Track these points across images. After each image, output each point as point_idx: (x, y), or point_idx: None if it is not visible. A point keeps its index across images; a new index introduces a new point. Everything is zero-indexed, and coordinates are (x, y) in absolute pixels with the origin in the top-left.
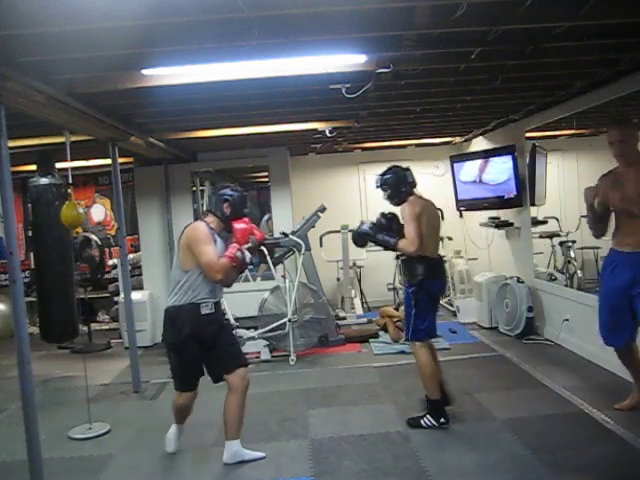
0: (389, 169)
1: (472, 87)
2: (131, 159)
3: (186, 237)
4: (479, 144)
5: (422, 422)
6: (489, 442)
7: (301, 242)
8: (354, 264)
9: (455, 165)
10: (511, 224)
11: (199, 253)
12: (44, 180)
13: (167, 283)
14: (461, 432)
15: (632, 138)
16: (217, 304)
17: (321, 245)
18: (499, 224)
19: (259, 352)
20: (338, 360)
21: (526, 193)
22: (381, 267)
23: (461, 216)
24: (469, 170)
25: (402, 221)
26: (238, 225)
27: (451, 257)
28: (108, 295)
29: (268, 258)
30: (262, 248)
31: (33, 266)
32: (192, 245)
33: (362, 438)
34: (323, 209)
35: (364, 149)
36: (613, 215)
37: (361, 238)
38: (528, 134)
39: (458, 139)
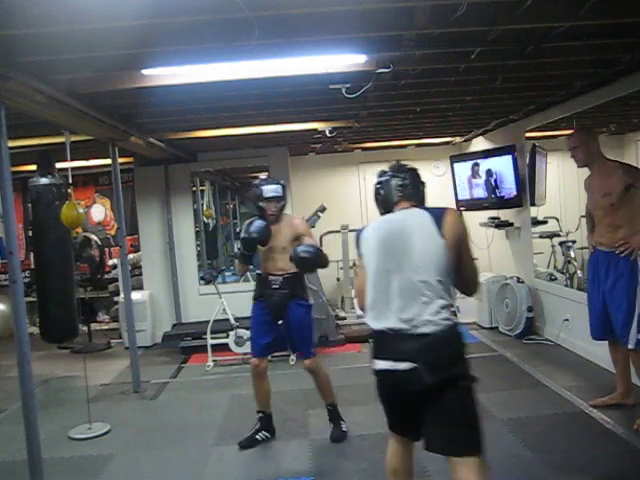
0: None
1: (472, 87)
2: (131, 159)
3: (461, 225)
4: (479, 144)
5: (257, 437)
6: (489, 442)
7: None
8: (354, 264)
9: (455, 165)
10: (511, 224)
11: (469, 250)
12: (44, 180)
13: (167, 283)
14: None
15: (586, 144)
16: None
17: (321, 245)
18: (499, 224)
19: None
20: (338, 360)
21: (526, 193)
22: None
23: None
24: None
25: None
26: None
27: None
28: (108, 295)
29: None
30: None
31: (33, 266)
32: (464, 239)
33: (362, 438)
34: (323, 209)
35: (364, 149)
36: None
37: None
38: (528, 134)
39: (458, 139)
